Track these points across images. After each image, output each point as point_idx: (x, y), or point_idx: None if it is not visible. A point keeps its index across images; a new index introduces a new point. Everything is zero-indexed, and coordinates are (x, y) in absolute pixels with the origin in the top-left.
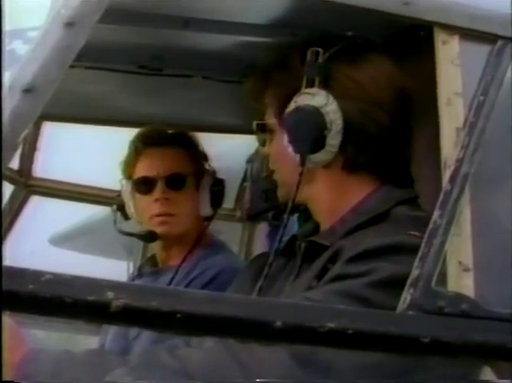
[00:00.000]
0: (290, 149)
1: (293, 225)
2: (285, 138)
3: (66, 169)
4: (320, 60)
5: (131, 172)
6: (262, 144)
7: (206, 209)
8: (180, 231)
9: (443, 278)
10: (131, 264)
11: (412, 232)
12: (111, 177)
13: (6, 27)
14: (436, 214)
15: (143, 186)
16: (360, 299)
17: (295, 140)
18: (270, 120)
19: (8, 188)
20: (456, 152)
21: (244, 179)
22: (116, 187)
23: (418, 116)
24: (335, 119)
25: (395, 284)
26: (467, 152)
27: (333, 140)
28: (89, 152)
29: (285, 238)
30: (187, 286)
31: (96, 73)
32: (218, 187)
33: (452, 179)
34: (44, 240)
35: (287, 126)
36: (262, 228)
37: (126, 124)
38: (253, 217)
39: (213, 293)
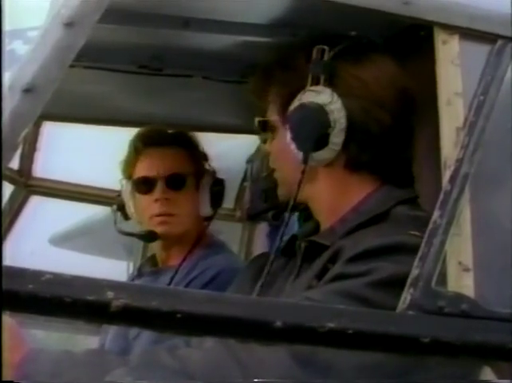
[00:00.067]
0: (293, 147)
1: (293, 225)
2: (288, 135)
3: (66, 169)
4: (325, 58)
5: (131, 172)
6: (264, 141)
7: (206, 209)
8: (180, 231)
9: (443, 278)
10: (131, 264)
11: (412, 232)
12: (111, 177)
13: (6, 27)
14: (436, 214)
15: (143, 186)
16: (360, 299)
17: (298, 138)
18: (273, 117)
19: (8, 188)
20: (456, 152)
21: (244, 179)
22: (116, 187)
23: (418, 116)
24: (339, 117)
25: (396, 284)
26: (467, 152)
27: (336, 138)
28: (89, 152)
29: (285, 238)
30: (187, 285)
31: (96, 72)
32: (218, 187)
33: (452, 179)
34: (44, 240)
35: (291, 123)
36: (262, 228)
37: (126, 124)
38: (253, 217)
39: (213, 293)
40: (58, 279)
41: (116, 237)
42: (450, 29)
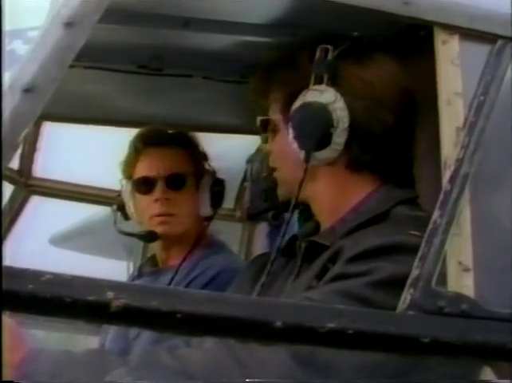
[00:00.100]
0: (295, 146)
1: (293, 225)
2: (290, 134)
3: (66, 169)
4: (329, 57)
5: (131, 172)
6: (265, 141)
7: (206, 209)
8: (180, 231)
9: (443, 278)
10: (131, 264)
11: (412, 232)
12: (111, 177)
13: (6, 27)
14: (436, 214)
15: (143, 186)
16: (360, 299)
17: (301, 136)
18: (274, 116)
19: (8, 188)
20: (456, 152)
21: (244, 179)
22: (116, 187)
23: (418, 116)
24: (342, 116)
25: (396, 284)
26: (467, 152)
27: (339, 137)
28: (89, 152)
29: (286, 238)
30: (187, 286)
31: (96, 73)
32: (218, 187)
33: (452, 179)
34: (44, 240)
35: (293, 122)
36: (262, 228)
37: (126, 124)
38: (253, 217)
39: (213, 293)
40: (58, 279)
41: (116, 237)
42: (450, 29)
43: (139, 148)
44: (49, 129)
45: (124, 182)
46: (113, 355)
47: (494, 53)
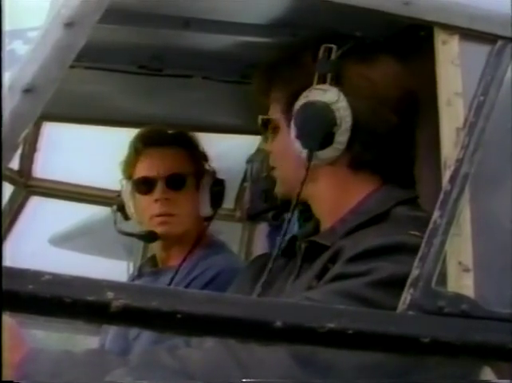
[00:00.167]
0: (296, 145)
1: (293, 225)
2: (292, 133)
3: (66, 169)
4: (332, 57)
5: (131, 172)
6: (266, 139)
7: (206, 209)
8: (180, 231)
9: (443, 278)
10: (131, 264)
11: (412, 232)
12: (111, 177)
13: (6, 27)
14: (436, 214)
15: (143, 186)
16: (360, 299)
17: (303, 135)
18: (276, 115)
19: (8, 188)
20: (456, 152)
21: (244, 179)
22: (116, 187)
23: (418, 116)
24: (345, 116)
25: (396, 284)
26: (467, 152)
27: (341, 137)
28: (89, 152)
29: (286, 238)
30: (187, 286)
31: (96, 73)
32: (218, 187)
33: (452, 179)
34: (44, 240)
35: (296, 121)
36: (262, 228)
37: (126, 124)
38: (253, 217)
39: (213, 293)
40: (58, 280)
41: (116, 237)
42: (450, 29)
43: (139, 148)
44: (49, 129)
45: (124, 182)
46: (113, 355)
47: (494, 53)
